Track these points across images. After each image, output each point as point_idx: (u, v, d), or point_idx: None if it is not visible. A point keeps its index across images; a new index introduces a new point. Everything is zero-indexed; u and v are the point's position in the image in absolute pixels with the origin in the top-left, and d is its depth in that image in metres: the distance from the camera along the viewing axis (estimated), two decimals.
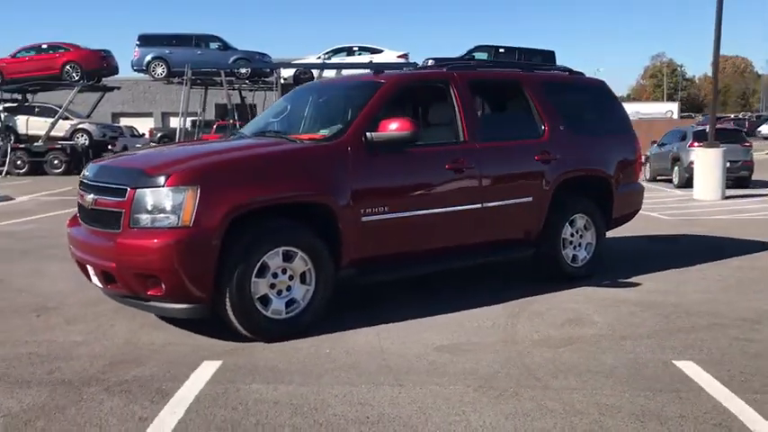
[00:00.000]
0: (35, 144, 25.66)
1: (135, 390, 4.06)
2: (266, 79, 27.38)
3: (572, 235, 6.72)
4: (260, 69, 26.76)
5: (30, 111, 27.17)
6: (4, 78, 26.52)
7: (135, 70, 27.31)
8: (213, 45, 27.24)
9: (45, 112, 26.84)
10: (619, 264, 7.59)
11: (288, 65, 27.24)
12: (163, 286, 4.60)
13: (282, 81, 26.78)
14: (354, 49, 27.67)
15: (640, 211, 7.80)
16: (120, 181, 4.86)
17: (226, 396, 3.94)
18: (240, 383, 4.13)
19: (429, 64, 22.89)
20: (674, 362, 4.45)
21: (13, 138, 26.30)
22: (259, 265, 4.80)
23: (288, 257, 4.94)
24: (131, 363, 4.52)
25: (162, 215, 4.57)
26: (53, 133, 26.04)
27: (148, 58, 26.65)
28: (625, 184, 7.14)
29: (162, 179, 4.60)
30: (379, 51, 27.41)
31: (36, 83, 26.98)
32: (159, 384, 4.13)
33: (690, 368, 4.33)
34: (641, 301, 5.99)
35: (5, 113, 26.73)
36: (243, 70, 26.40)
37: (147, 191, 4.62)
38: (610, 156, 6.98)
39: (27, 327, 5.37)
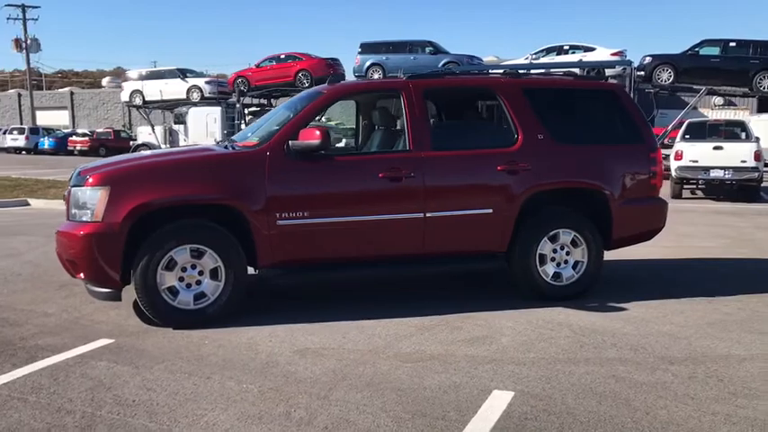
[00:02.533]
0: None
1: (20, 354, 4.90)
2: None
3: (554, 251, 6.28)
4: (467, 72, 27.06)
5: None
6: (250, 86, 30.15)
7: (356, 76, 29.27)
8: (426, 50, 28.22)
9: None
10: (645, 287, 6.92)
11: (494, 66, 27.17)
12: (82, 271, 5.41)
13: None
14: (565, 47, 26.73)
15: None
16: (71, 180, 5.77)
17: (67, 368, 4.60)
18: (95, 360, 4.77)
19: (647, 61, 22.02)
20: (495, 390, 4.19)
21: None
22: (166, 258, 5.39)
23: (197, 254, 5.46)
24: (53, 333, 5.38)
25: (83, 210, 5.37)
26: None
27: (367, 64, 28.44)
28: (633, 198, 6.45)
29: (85, 180, 5.41)
30: (592, 49, 26.17)
31: (275, 89, 30.26)
32: (40, 353, 4.92)
33: (499, 398, 4.06)
34: (588, 328, 5.48)
35: (250, 116, 30.38)
36: None
37: (77, 189, 5.46)
38: (609, 167, 6.36)
39: (34, 297, 6.51)
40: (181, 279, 5.48)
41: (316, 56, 29.63)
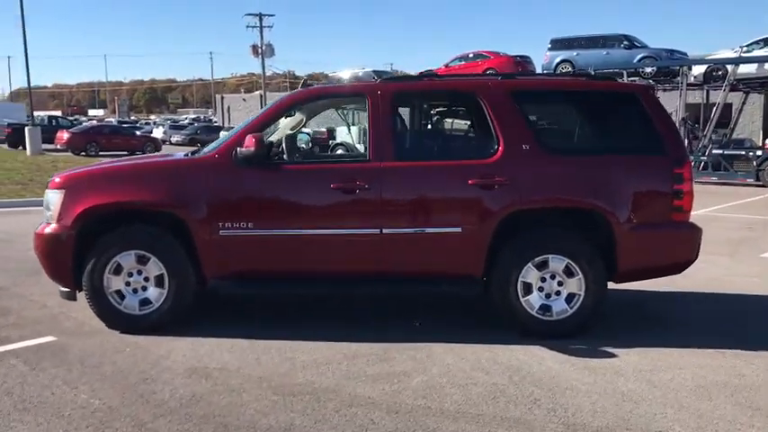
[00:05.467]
0: None
1: None
2: (675, 78, 24.99)
3: (542, 280, 5.40)
4: (666, 67, 24.60)
5: (455, 114, 30.38)
6: None
7: (545, 74, 27.94)
8: (621, 45, 26.07)
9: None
10: (675, 328, 5.77)
11: (697, 61, 24.35)
12: (44, 269, 5.68)
13: (692, 79, 24.16)
14: None
15: None
16: None
17: None
18: (12, 357, 4.96)
19: None
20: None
21: None
22: (113, 263, 5.46)
23: (142, 260, 5.47)
24: (20, 326, 5.69)
25: (48, 212, 5.62)
26: None
27: (557, 60, 26.99)
28: (648, 223, 5.32)
29: (51, 183, 5.66)
30: None
31: None
32: None
33: None
34: (535, 376, 4.63)
35: (437, 117, 30.39)
36: (648, 69, 24.66)
37: (46, 191, 5.73)
38: (614, 183, 5.30)
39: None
40: (128, 284, 5.52)
41: (504, 54, 28.74)
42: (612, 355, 5.03)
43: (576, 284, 5.36)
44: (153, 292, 5.49)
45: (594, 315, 5.42)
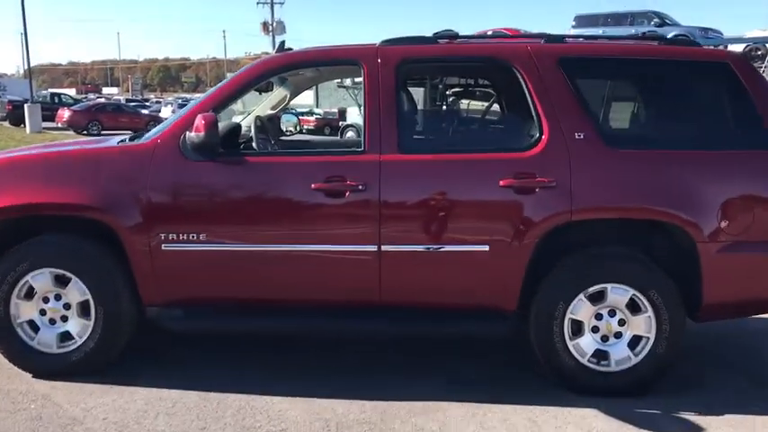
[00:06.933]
0: None
1: None
2: None
3: (598, 317, 3.97)
4: (699, 46, 22.83)
5: (473, 95, 28.82)
6: None
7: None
8: (651, 22, 24.35)
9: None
10: None
11: (734, 40, 22.59)
12: None
13: None
14: None
15: None
16: None
17: None
18: None
19: None
20: None
21: None
22: (23, 284, 4.10)
23: (61, 281, 4.10)
24: None
25: None
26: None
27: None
28: (746, 241, 3.87)
29: None
30: None
31: None
32: None
33: None
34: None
35: (452, 97, 28.85)
36: None
37: None
38: (700, 188, 3.85)
39: None
40: (43, 312, 4.15)
41: (525, 32, 27.09)
42: (698, 429, 3.60)
43: (643, 324, 3.92)
44: (75, 324, 4.13)
45: (666, 365, 3.98)
